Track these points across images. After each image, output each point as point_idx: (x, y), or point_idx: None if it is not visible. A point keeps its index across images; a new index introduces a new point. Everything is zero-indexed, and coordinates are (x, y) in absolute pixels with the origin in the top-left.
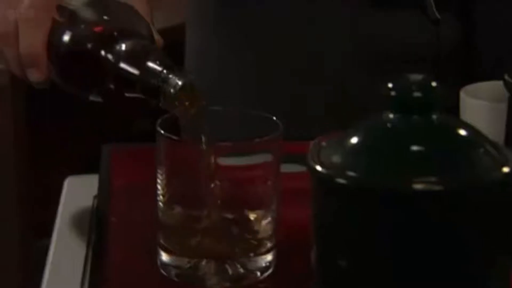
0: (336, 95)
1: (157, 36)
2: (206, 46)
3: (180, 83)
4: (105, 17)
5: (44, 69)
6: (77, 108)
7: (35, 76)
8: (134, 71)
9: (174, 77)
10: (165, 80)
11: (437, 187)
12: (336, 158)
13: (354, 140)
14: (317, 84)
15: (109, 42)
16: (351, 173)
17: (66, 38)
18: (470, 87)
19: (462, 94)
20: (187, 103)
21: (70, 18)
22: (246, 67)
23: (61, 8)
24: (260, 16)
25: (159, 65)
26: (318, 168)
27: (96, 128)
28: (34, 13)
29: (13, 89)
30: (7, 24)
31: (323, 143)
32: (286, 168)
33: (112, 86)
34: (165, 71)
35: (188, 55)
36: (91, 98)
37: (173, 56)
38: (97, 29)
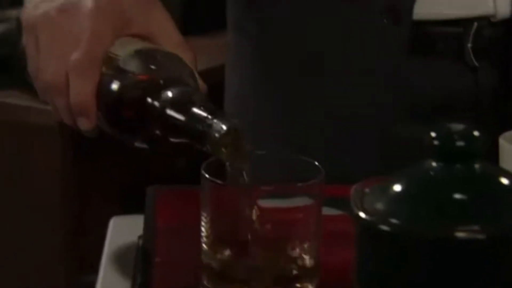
0: (380, 144)
1: (201, 83)
2: (244, 90)
3: (224, 127)
4: (151, 66)
5: (94, 118)
6: (123, 148)
7: (85, 125)
8: (180, 117)
9: (218, 122)
10: (210, 125)
11: (479, 236)
12: (379, 205)
13: (397, 187)
14: (356, 133)
15: (155, 90)
16: (394, 221)
17: (114, 87)
18: (509, 134)
19: (501, 140)
20: (231, 148)
21: (117, 68)
22: (280, 111)
23: (108, 59)
24: (298, 64)
25: (204, 110)
26: (362, 214)
27: (141, 166)
28: (83, 65)
29: (61, 129)
30: (58, 75)
31: (366, 190)
32: (324, 210)
33: (158, 133)
34: (210, 116)
35: (227, 98)
36: (137, 144)
37: (213, 98)
38: (144, 78)
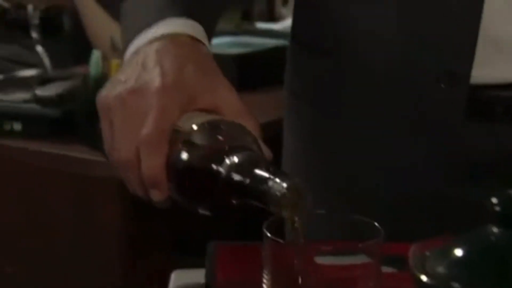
0: (434, 204)
1: (265, 149)
2: (298, 148)
3: (285, 186)
4: (216, 137)
5: (165, 189)
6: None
7: (157, 196)
8: (243, 180)
9: (280, 182)
10: (272, 185)
11: None
12: (440, 269)
13: (458, 251)
14: (413, 200)
15: (221, 159)
16: (456, 285)
17: (182, 159)
18: None
19: None
20: (292, 207)
21: (184, 141)
22: (332, 171)
23: (176, 133)
24: (358, 135)
25: (266, 171)
26: (424, 278)
27: (198, 219)
28: (152, 140)
29: (121, 182)
30: (130, 150)
31: (427, 253)
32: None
33: (223, 197)
34: (271, 176)
35: (285, 154)
36: (200, 211)
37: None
38: (210, 148)
